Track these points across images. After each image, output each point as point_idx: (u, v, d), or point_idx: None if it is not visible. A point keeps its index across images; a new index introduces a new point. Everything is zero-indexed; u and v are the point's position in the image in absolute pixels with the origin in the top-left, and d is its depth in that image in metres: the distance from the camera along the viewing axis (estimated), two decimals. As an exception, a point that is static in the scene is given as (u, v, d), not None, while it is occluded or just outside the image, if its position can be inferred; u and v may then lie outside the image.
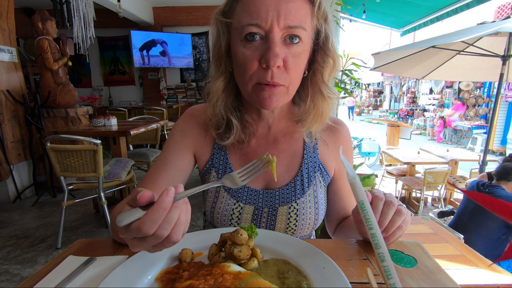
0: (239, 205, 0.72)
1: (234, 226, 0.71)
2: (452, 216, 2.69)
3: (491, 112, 8.06)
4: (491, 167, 2.87)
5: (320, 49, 0.64)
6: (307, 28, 0.59)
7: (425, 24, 5.11)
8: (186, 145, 0.75)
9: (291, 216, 0.70)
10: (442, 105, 9.48)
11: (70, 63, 3.75)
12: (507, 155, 2.76)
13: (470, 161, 4.15)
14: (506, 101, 7.34)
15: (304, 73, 0.65)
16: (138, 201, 0.37)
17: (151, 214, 0.36)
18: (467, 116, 8.71)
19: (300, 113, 0.71)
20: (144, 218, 0.36)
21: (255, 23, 0.56)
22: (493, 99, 4.79)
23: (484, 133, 7.51)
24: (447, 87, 10.04)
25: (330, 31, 0.63)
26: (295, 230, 0.71)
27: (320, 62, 0.65)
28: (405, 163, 3.78)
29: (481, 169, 3.09)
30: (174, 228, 0.38)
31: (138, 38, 5.96)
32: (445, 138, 9.42)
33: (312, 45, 0.63)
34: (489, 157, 3.20)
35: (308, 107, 0.68)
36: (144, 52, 6.06)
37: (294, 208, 0.71)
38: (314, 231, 0.84)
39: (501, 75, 2.89)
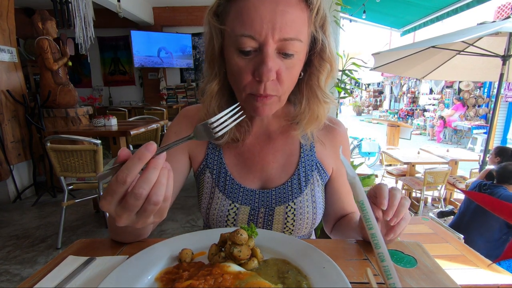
0: (235, 206, 0.71)
1: (230, 227, 0.71)
2: (452, 216, 2.69)
3: (491, 112, 8.06)
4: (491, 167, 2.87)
5: (317, 54, 0.62)
6: (303, 39, 0.57)
7: (425, 24, 5.11)
8: (181, 147, 0.74)
9: (288, 216, 0.69)
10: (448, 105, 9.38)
11: (70, 63, 3.75)
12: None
13: (470, 161, 4.15)
14: (506, 101, 7.35)
15: (300, 75, 0.64)
16: (118, 157, 0.38)
17: (127, 162, 0.37)
18: (467, 116, 8.71)
19: (295, 114, 0.70)
20: (122, 167, 0.37)
21: (248, 35, 0.53)
22: (493, 99, 4.79)
23: (484, 133, 7.52)
24: (447, 87, 10.04)
25: (328, 36, 0.61)
26: (292, 230, 0.70)
27: (316, 66, 0.63)
28: (405, 163, 3.78)
29: (481, 169, 3.09)
30: (153, 188, 0.38)
31: (138, 38, 5.97)
32: (445, 138, 9.42)
33: (308, 51, 0.62)
34: (489, 157, 3.20)
35: (304, 109, 0.67)
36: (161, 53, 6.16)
37: (292, 207, 0.70)
38: (313, 231, 0.84)
39: (501, 75, 2.89)
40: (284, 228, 0.70)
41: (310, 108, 0.67)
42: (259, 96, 0.58)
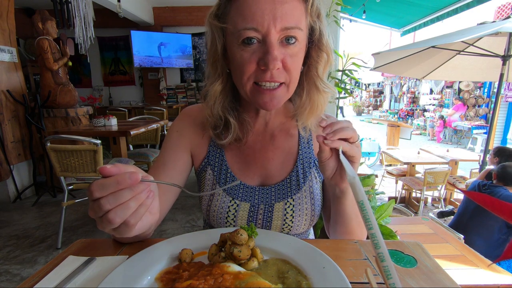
0: (235, 203, 0.72)
1: (230, 223, 0.72)
2: (452, 216, 2.69)
3: (491, 112, 8.06)
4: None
5: (315, 45, 0.65)
6: (303, 28, 0.59)
7: (425, 24, 5.11)
8: (183, 145, 0.75)
9: (287, 212, 0.70)
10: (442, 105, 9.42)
11: (70, 63, 3.75)
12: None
13: (470, 161, 4.15)
14: (506, 101, 7.33)
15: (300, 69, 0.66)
16: (99, 171, 0.39)
17: (104, 179, 0.38)
18: (467, 116, 8.71)
19: (296, 108, 0.71)
20: (98, 180, 0.38)
21: (251, 27, 0.55)
22: (493, 99, 4.79)
23: (484, 133, 7.51)
24: (447, 87, 10.04)
25: (324, 27, 0.64)
26: (291, 227, 0.71)
27: (314, 57, 0.66)
28: (405, 163, 3.78)
29: (481, 169, 3.09)
30: (118, 207, 0.38)
31: (138, 38, 5.97)
32: (445, 138, 9.42)
33: (307, 42, 0.64)
34: (489, 157, 3.20)
35: (304, 101, 0.69)
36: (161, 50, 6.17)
37: (290, 204, 0.71)
38: (313, 230, 0.84)
39: (501, 75, 2.89)
40: (283, 224, 0.71)
41: (310, 99, 0.68)
42: (266, 88, 0.59)
